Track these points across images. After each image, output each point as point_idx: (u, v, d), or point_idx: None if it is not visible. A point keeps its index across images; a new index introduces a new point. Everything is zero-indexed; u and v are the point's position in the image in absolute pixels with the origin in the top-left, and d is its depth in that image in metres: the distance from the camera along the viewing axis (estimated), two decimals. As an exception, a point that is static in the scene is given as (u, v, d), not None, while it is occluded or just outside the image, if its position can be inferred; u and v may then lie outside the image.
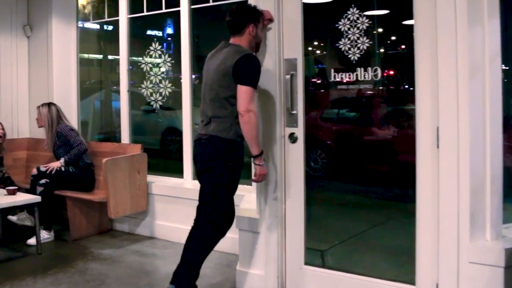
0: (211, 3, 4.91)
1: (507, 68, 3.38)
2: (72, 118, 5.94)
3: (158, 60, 5.46)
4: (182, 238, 3.37)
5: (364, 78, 3.32)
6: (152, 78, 5.49)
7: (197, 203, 3.34)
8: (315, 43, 4.02)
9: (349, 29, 3.33)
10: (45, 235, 4.98)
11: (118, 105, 5.76)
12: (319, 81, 3.92)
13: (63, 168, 5.14)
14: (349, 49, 3.34)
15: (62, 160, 5.15)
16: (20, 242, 4.94)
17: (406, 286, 3.13)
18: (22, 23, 6.26)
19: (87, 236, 5.17)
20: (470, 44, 2.80)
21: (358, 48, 3.31)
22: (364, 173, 3.85)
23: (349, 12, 3.32)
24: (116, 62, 5.81)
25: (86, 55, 6.48)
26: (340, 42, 3.37)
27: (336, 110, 4.05)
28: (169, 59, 5.43)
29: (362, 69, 3.32)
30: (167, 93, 5.40)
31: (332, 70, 3.47)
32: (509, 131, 3.35)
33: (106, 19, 5.93)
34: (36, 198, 4.65)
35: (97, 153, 5.47)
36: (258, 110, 3.34)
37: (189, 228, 3.34)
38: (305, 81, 3.48)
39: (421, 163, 3.03)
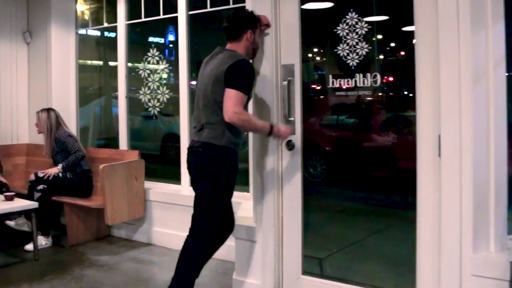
0: (208, 9, 4.90)
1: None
2: (71, 124, 5.94)
3: (156, 66, 5.44)
4: (180, 245, 3.32)
5: (363, 84, 3.29)
6: (150, 84, 5.47)
7: (194, 210, 3.31)
8: (315, 49, 3.99)
9: (347, 34, 3.30)
10: (42, 241, 4.98)
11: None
12: (318, 87, 3.89)
13: (60, 174, 5.13)
14: (348, 54, 3.31)
15: (59, 166, 5.14)
16: (17, 247, 4.93)
17: (406, 297, 3.07)
18: (22, 30, 6.28)
19: (84, 242, 5.15)
20: (473, 49, 2.73)
21: (357, 54, 3.28)
22: (363, 180, 3.81)
23: (347, 17, 3.29)
24: (116, 68, 5.80)
25: (87, 62, 6.49)
26: (339, 48, 3.34)
27: (335, 116, 4.02)
28: (167, 65, 5.41)
29: (361, 75, 3.28)
30: (164, 99, 5.39)
31: (331, 76, 3.44)
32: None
33: (105, 26, 5.92)
34: (33, 204, 4.64)
35: (95, 159, 5.46)
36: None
37: (187, 235, 3.29)
38: (304, 87, 3.45)
39: (422, 172, 2.97)
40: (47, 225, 5.05)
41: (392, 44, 3.71)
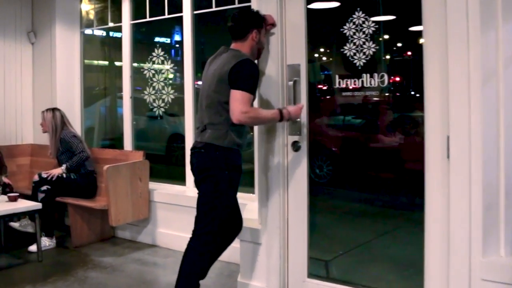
0: (214, 8, 4.86)
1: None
2: (76, 124, 5.92)
3: (161, 66, 5.42)
4: (184, 246, 3.29)
5: (371, 84, 3.25)
6: (155, 84, 5.45)
7: (199, 211, 3.27)
8: (321, 49, 3.95)
9: (354, 33, 3.26)
10: (46, 242, 4.96)
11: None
12: (324, 88, 3.86)
13: (64, 175, 5.12)
14: (355, 54, 3.27)
15: (63, 166, 5.12)
16: (21, 248, 4.91)
17: (414, 301, 3.03)
18: (27, 30, 6.28)
19: (88, 243, 5.13)
20: (483, 49, 2.67)
21: (364, 54, 3.24)
22: (370, 181, 3.78)
23: (354, 16, 3.24)
24: (121, 68, 5.77)
25: (93, 62, 6.48)
26: (345, 47, 3.30)
27: (342, 117, 3.98)
28: (171, 65, 5.39)
29: (368, 75, 3.24)
30: (169, 99, 5.36)
31: (337, 76, 3.40)
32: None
33: (110, 25, 5.90)
34: (37, 205, 4.62)
35: (99, 160, 5.44)
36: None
37: (190, 237, 3.26)
38: (310, 87, 3.41)
39: (430, 174, 2.92)
40: (51, 226, 5.03)
41: (399, 44, 3.66)
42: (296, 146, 3.38)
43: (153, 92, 5.46)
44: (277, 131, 3.42)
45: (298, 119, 3.35)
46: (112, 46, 6.34)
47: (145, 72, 5.51)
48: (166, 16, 5.26)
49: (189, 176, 5.04)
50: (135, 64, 5.68)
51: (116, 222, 4.85)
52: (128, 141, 5.63)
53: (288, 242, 3.47)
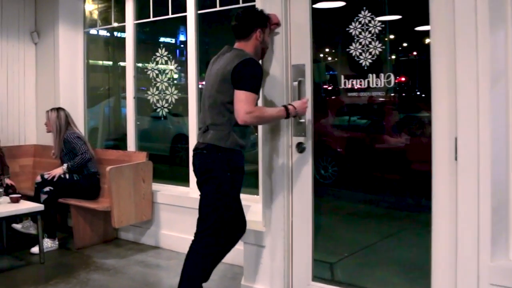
0: (218, 8, 4.83)
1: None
2: (79, 125, 5.90)
3: (165, 67, 5.38)
4: (187, 248, 3.27)
5: (377, 84, 3.21)
6: (158, 84, 5.41)
7: (202, 213, 3.24)
8: (326, 49, 3.91)
9: (360, 33, 3.22)
10: (49, 243, 4.95)
11: (127, 112, 5.72)
12: (330, 88, 3.82)
13: (67, 176, 5.09)
14: (361, 54, 3.23)
15: (64, 166, 5.10)
16: (24, 250, 4.89)
17: (420, 304, 2.98)
18: (30, 30, 6.27)
19: (91, 245, 5.10)
20: (492, 49, 2.62)
21: (370, 53, 3.20)
22: (375, 182, 3.75)
23: (360, 15, 3.20)
24: (125, 69, 5.75)
25: (98, 62, 6.46)
26: (351, 47, 3.26)
27: (347, 117, 3.95)
28: (175, 65, 5.36)
29: (374, 75, 3.20)
30: (173, 100, 5.32)
31: (343, 77, 3.36)
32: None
33: (113, 25, 5.88)
34: (39, 207, 4.60)
35: (102, 161, 5.41)
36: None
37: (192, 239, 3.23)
38: (315, 88, 3.38)
39: (437, 176, 2.87)
40: (53, 228, 5.01)
41: (405, 44, 3.62)
42: (300, 148, 3.34)
43: (157, 92, 5.43)
44: (281, 132, 3.39)
45: (303, 120, 3.31)
46: (116, 46, 6.32)
47: (149, 72, 5.48)
48: (170, 16, 5.23)
49: (193, 177, 4.99)
50: (140, 65, 5.65)
51: (119, 223, 4.82)
52: (132, 141, 5.61)
53: (292, 244, 3.44)
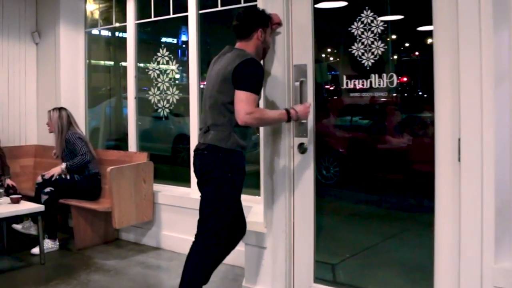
0: (219, 8, 4.81)
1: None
2: (80, 125, 5.87)
3: (166, 67, 5.37)
4: (188, 249, 3.25)
5: (379, 85, 3.19)
6: (159, 85, 5.40)
7: (203, 213, 3.22)
8: (328, 49, 3.90)
9: (362, 33, 3.20)
10: (49, 244, 4.93)
11: (128, 112, 5.71)
12: (331, 88, 3.81)
13: (68, 177, 5.07)
14: (363, 54, 3.21)
15: (63, 165, 5.08)
16: (25, 250, 4.88)
17: (423, 306, 2.97)
18: (31, 30, 6.26)
19: (92, 245, 5.09)
20: (496, 49, 2.59)
21: (373, 53, 3.18)
22: (377, 182, 3.74)
23: (363, 15, 3.18)
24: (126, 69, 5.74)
25: (99, 62, 6.45)
26: (353, 47, 3.24)
27: (349, 117, 3.93)
28: (176, 65, 5.34)
29: (377, 75, 3.18)
30: (174, 100, 5.31)
31: (345, 77, 3.34)
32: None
33: (114, 25, 5.87)
34: (40, 207, 4.58)
35: (103, 161, 5.40)
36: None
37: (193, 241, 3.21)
38: (317, 88, 3.36)
39: (440, 178, 2.85)
40: (54, 228, 4.99)
41: (407, 44, 3.60)
42: (302, 148, 3.32)
43: (158, 92, 5.41)
44: (283, 133, 3.37)
45: (305, 121, 3.29)
46: (117, 46, 6.31)
47: (150, 72, 5.46)
48: (171, 15, 5.21)
49: (194, 178, 4.97)
50: (141, 65, 5.64)
51: (120, 224, 4.80)
52: (133, 142, 5.59)
53: (294, 245, 3.42)
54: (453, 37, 2.72)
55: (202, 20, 4.98)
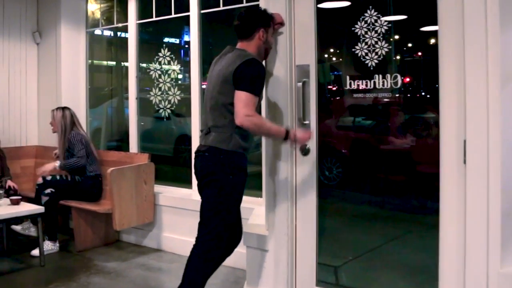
0: (221, 8, 4.79)
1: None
2: (82, 125, 5.86)
3: (167, 67, 5.34)
4: (189, 251, 3.22)
5: (383, 85, 3.16)
6: (161, 85, 5.37)
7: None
8: (331, 49, 3.87)
9: (366, 32, 3.16)
10: (49, 246, 4.91)
11: (130, 113, 5.69)
12: (334, 89, 3.78)
13: (69, 178, 5.05)
14: (367, 54, 3.17)
15: (57, 163, 5.05)
16: (25, 252, 4.86)
17: (427, 310, 2.93)
18: (32, 30, 6.24)
19: (92, 247, 5.07)
20: (503, 49, 2.55)
21: (376, 54, 3.14)
22: (380, 183, 3.74)
23: (366, 15, 3.15)
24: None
25: (102, 62, 6.43)
26: (357, 47, 3.21)
27: (352, 118, 3.91)
28: (178, 66, 5.31)
29: (380, 76, 3.15)
30: (176, 100, 5.28)
31: (348, 77, 3.31)
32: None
33: (116, 25, 5.85)
34: (40, 209, 4.56)
35: (104, 162, 5.38)
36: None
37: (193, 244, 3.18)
38: (320, 88, 3.33)
39: (445, 180, 2.80)
40: (54, 230, 4.97)
41: (411, 44, 3.58)
42: (305, 150, 3.29)
43: (159, 93, 5.38)
44: (285, 134, 3.32)
45: (307, 122, 3.26)
46: (118, 46, 6.30)
47: (152, 72, 5.44)
48: (173, 15, 5.19)
49: (195, 179, 4.96)
50: (143, 65, 5.62)
51: (120, 226, 4.78)
52: (134, 143, 5.57)
53: (296, 248, 3.38)
54: (459, 37, 2.67)
55: (204, 20, 4.97)
